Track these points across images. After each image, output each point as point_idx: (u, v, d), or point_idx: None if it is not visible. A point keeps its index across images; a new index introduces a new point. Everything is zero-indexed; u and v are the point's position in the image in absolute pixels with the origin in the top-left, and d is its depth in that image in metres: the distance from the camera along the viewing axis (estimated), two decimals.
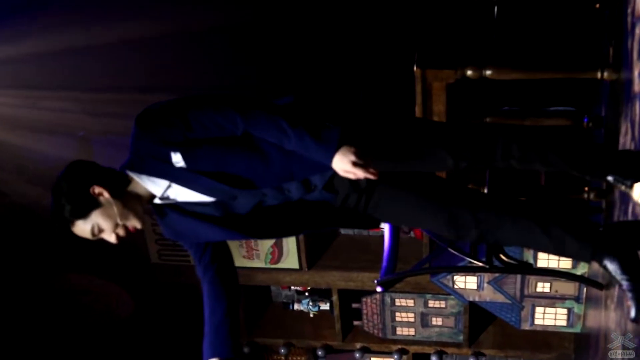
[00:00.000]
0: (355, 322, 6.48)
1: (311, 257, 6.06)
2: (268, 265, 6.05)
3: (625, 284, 2.94)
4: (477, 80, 4.20)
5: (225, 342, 3.25)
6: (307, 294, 6.71)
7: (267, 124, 2.97)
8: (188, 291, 5.85)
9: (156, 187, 3.10)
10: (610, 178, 3.14)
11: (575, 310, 5.73)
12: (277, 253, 5.97)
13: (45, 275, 6.30)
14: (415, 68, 4.20)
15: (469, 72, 4.15)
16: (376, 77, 5.67)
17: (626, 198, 3.58)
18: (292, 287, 6.64)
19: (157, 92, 5.13)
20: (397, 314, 6.20)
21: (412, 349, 6.35)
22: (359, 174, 2.97)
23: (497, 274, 5.49)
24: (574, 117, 4.53)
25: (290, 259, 6.00)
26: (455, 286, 5.60)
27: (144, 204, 3.15)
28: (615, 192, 3.98)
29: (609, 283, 4.17)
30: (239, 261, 5.88)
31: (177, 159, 3.01)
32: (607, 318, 4.12)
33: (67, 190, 3.01)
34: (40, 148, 5.63)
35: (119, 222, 3.07)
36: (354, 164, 2.95)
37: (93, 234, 3.08)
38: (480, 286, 5.58)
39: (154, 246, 6.03)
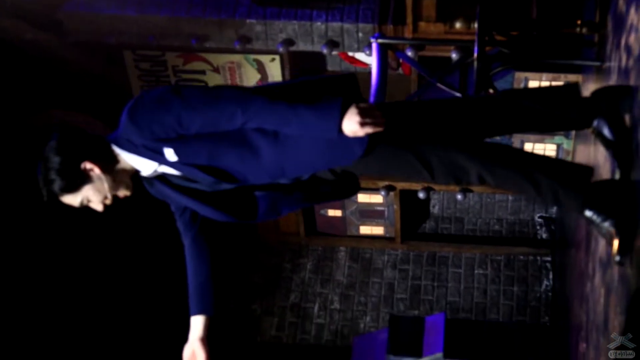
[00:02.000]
0: None
1: None
2: None
3: (609, 222, 3.00)
4: None
5: (210, 301, 3.36)
6: None
7: (267, 112, 2.93)
8: None
9: (145, 166, 3.12)
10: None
11: (565, 146, 5.74)
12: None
13: (26, 112, 6.23)
14: None
15: None
16: None
17: (619, 30, 3.52)
18: None
19: None
20: None
21: (400, 185, 6.37)
22: (368, 131, 2.95)
23: None
24: None
25: None
26: None
27: (132, 174, 3.17)
28: (608, 25, 3.91)
29: None
30: None
31: (170, 154, 3.02)
32: (596, 153, 4.11)
33: (57, 165, 3.02)
34: None
35: (109, 195, 3.13)
36: (361, 124, 2.92)
37: (81, 204, 3.14)
38: None
39: (136, 82, 5.95)
